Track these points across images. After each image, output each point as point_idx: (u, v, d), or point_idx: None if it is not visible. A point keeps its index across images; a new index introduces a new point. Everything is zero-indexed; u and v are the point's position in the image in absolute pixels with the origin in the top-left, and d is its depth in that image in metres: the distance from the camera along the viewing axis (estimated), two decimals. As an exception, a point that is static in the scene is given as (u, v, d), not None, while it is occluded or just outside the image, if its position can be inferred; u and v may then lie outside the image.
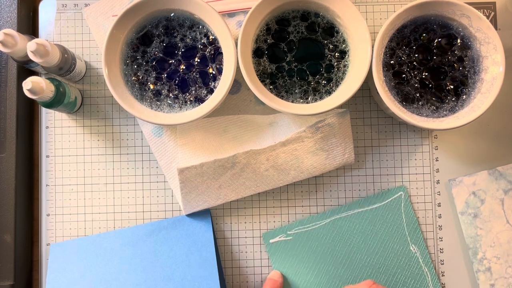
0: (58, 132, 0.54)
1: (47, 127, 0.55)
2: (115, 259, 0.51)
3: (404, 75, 0.49)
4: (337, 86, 0.50)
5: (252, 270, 0.54)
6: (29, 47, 0.44)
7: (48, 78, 0.48)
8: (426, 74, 0.49)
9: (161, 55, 0.50)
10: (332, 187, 0.54)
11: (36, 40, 0.44)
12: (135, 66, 0.49)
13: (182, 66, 0.50)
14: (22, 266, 0.53)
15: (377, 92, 0.46)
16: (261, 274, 0.54)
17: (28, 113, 0.55)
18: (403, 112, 0.47)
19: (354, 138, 0.55)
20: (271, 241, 0.53)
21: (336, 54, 0.50)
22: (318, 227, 0.53)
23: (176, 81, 0.50)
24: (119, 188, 0.54)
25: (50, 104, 0.48)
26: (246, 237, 0.54)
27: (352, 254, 0.53)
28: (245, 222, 0.54)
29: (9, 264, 0.51)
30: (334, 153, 0.52)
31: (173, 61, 0.50)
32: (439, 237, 0.54)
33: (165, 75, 0.50)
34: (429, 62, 0.49)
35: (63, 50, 0.49)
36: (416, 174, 0.54)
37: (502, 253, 0.53)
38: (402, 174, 0.54)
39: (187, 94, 0.49)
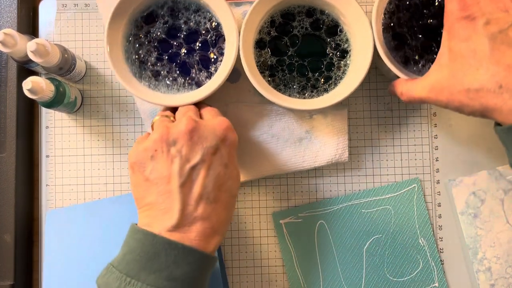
0: (58, 132, 0.54)
1: (47, 127, 0.55)
2: (112, 226, 0.52)
3: (403, 37, 0.49)
4: (335, 85, 0.50)
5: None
6: (29, 47, 0.44)
7: (48, 78, 0.48)
8: (425, 35, 0.49)
9: (163, 36, 0.49)
10: (332, 186, 0.54)
11: (36, 40, 0.44)
12: (137, 45, 0.49)
13: (184, 50, 0.49)
14: (22, 266, 0.53)
15: (378, 55, 0.46)
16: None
17: (28, 113, 0.55)
18: (405, 73, 0.47)
19: (353, 138, 0.55)
20: (281, 221, 0.53)
21: (338, 53, 0.50)
22: (329, 212, 0.53)
23: (176, 64, 0.49)
24: (119, 188, 0.54)
25: (50, 104, 0.48)
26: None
27: (360, 242, 0.53)
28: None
29: (9, 264, 0.51)
30: (326, 146, 0.52)
31: (175, 43, 0.50)
32: (439, 237, 0.54)
33: (166, 57, 0.49)
34: (428, 23, 0.49)
35: (63, 50, 0.49)
36: (416, 174, 0.54)
37: (502, 253, 0.53)
38: (402, 174, 0.54)
39: (186, 77, 0.49)
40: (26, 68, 0.52)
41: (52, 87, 0.47)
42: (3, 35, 0.43)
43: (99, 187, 0.54)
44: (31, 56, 0.45)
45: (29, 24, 0.55)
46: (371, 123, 0.55)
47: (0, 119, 0.52)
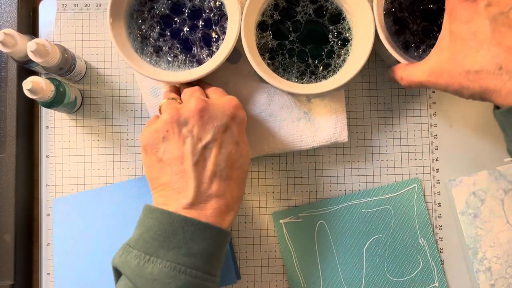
0: (58, 132, 0.54)
1: (47, 127, 0.55)
2: (119, 211, 0.52)
3: (404, 22, 0.49)
4: (335, 72, 0.50)
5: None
6: (29, 47, 0.44)
7: (48, 78, 0.48)
8: (426, 20, 0.49)
9: (167, 12, 0.49)
10: (332, 186, 0.54)
11: (36, 40, 0.44)
12: (140, 21, 0.49)
13: (186, 27, 0.49)
14: (22, 266, 0.53)
15: (379, 40, 0.46)
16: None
17: (28, 113, 0.55)
18: (405, 58, 0.47)
19: (353, 138, 0.55)
20: (281, 221, 0.53)
21: (339, 41, 0.50)
22: (329, 212, 0.53)
23: (178, 41, 0.49)
24: (119, 188, 0.54)
25: (50, 104, 0.48)
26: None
27: (360, 242, 0.53)
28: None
29: (9, 264, 0.51)
30: (324, 125, 0.52)
31: (178, 20, 0.49)
32: (439, 237, 0.54)
33: (169, 34, 0.49)
34: (429, 8, 0.49)
35: (63, 50, 0.49)
36: (416, 174, 0.54)
37: (502, 253, 0.53)
38: (402, 174, 0.54)
39: (188, 54, 0.49)
40: (26, 68, 0.52)
41: (52, 87, 0.47)
42: (3, 35, 0.43)
43: (99, 186, 0.54)
44: (31, 56, 0.45)
45: (29, 24, 0.55)
46: (371, 123, 0.55)
47: (0, 119, 0.52)
